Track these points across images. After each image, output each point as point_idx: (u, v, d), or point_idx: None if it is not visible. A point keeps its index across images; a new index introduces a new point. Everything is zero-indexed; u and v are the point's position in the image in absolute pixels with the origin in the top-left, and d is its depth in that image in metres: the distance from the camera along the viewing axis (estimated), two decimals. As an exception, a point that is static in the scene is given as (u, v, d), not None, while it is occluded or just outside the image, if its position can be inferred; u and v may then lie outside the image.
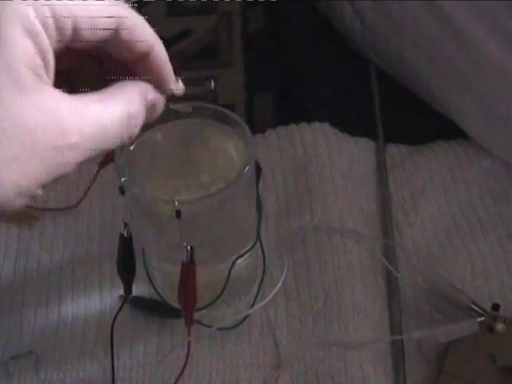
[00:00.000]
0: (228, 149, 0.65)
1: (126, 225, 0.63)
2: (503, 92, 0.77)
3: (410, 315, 0.71)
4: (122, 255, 0.65)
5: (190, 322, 0.63)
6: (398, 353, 0.69)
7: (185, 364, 0.64)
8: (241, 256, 0.67)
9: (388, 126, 0.86)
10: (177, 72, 0.47)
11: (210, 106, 0.65)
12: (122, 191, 0.60)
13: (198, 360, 0.68)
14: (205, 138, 0.66)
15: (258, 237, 0.69)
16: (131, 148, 0.63)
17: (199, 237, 0.63)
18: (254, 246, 0.68)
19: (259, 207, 0.69)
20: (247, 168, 0.61)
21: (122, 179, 0.60)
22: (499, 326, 0.66)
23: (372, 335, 0.69)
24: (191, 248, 0.61)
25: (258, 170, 0.69)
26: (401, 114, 0.88)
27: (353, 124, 0.86)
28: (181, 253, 0.61)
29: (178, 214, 0.58)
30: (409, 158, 0.83)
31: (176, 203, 0.58)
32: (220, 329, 0.70)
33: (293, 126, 0.83)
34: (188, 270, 0.61)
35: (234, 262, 0.67)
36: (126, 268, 0.65)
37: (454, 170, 0.82)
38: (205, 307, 0.69)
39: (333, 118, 0.85)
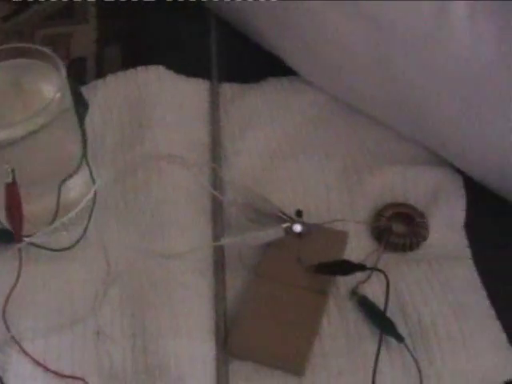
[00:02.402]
0: (39, 85, 0.71)
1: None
2: (323, 35, 0.84)
3: (232, 229, 0.78)
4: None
5: (18, 239, 0.70)
6: (218, 261, 0.76)
7: (18, 276, 0.71)
8: (65, 180, 0.73)
9: (225, 68, 0.93)
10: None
11: (14, 45, 0.71)
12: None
13: (35, 279, 0.74)
14: (15, 80, 0.72)
15: (83, 162, 0.75)
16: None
17: (23, 163, 0.69)
18: (77, 169, 0.74)
19: (84, 137, 0.75)
20: (58, 95, 0.67)
21: None
22: (299, 229, 0.73)
23: (194, 245, 0.76)
24: (12, 170, 0.67)
25: (85, 105, 0.75)
26: (238, 56, 0.95)
27: (191, 67, 0.92)
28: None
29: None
30: (240, 94, 0.90)
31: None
32: (56, 250, 0.75)
33: (131, 70, 0.90)
34: (12, 190, 0.68)
35: (60, 186, 0.73)
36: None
37: (281, 101, 0.89)
38: (42, 231, 0.75)
39: (173, 63, 0.92)
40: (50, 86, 0.70)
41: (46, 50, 0.70)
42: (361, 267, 0.69)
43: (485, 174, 0.79)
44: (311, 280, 0.72)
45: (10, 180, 0.67)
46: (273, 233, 0.73)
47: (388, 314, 0.70)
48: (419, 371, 0.66)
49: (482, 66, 0.73)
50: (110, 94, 0.88)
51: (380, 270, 0.70)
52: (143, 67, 0.90)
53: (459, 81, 0.74)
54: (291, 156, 0.84)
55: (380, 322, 0.69)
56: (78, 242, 0.76)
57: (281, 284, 0.72)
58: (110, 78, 0.90)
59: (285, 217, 0.74)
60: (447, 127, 0.78)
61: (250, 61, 0.94)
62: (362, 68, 0.82)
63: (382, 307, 0.70)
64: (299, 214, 0.74)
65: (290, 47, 0.89)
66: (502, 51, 0.71)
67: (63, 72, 0.69)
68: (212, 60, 0.93)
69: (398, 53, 0.78)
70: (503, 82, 0.72)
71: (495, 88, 0.73)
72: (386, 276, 0.68)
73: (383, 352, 0.68)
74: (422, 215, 0.78)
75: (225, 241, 0.74)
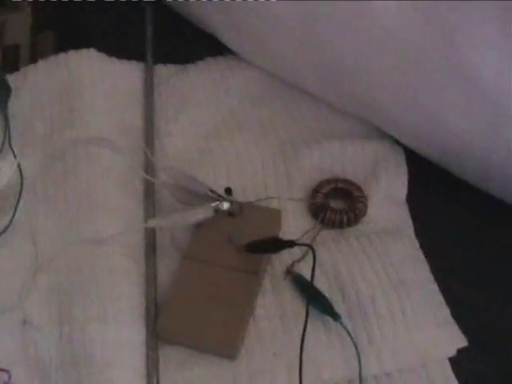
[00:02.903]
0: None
1: None
2: (254, 11, 0.82)
3: (164, 211, 0.76)
4: None
5: None
6: (149, 244, 0.73)
7: None
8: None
9: (162, 50, 0.91)
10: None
11: None
12: None
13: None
14: None
15: (7, 147, 0.72)
16: None
17: None
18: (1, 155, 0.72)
19: (6, 122, 0.73)
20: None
21: None
22: (227, 207, 0.70)
23: (124, 229, 0.74)
24: None
25: (7, 90, 0.73)
26: (176, 38, 0.93)
27: (127, 51, 0.90)
28: None
29: None
30: (175, 75, 0.88)
31: None
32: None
33: (61, 54, 0.87)
34: None
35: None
36: None
37: (217, 80, 0.87)
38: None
39: (108, 47, 0.89)
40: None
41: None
42: (290, 244, 0.67)
43: (424, 146, 0.77)
44: (243, 260, 0.70)
45: None
46: (201, 212, 0.71)
47: (326, 292, 0.69)
48: (357, 350, 0.63)
49: (410, 40, 0.71)
50: (41, 79, 0.86)
51: (308, 245, 0.67)
52: (74, 51, 0.87)
53: (391, 53, 0.73)
54: (227, 136, 0.82)
55: (314, 299, 0.66)
56: (5, 230, 0.73)
57: (211, 265, 0.70)
58: (41, 64, 0.88)
59: (214, 196, 0.71)
60: (384, 98, 0.76)
61: (188, 42, 0.92)
62: (295, 43, 0.80)
63: (318, 285, 0.68)
64: (228, 191, 0.72)
65: (222, 24, 0.87)
66: (428, 29, 0.69)
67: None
68: (147, 41, 0.90)
69: (329, 27, 0.76)
70: (432, 52, 0.70)
71: (427, 59, 0.71)
72: (313, 251, 0.66)
73: (321, 332, 0.67)
74: (360, 190, 0.76)
75: (153, 222, 0.72)
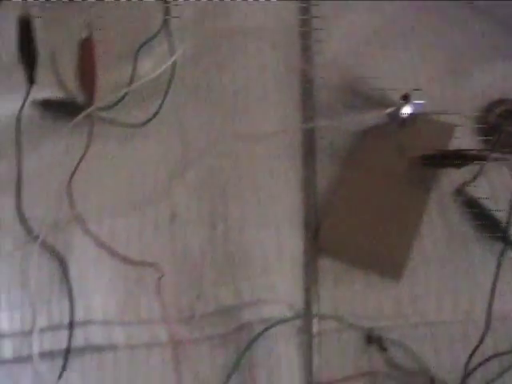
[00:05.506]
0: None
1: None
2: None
3: (323, 112, 0.69)
4: (21, 39, 0.62)
5: (89, 102, 0.62)
6: (308, 145, 0.67)
7: (86, 146, 0.63)
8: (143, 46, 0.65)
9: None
10: None
11: None
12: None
13: (104, 157, 0.67)
14: None
15: (164, 26, 0.66)
16: None
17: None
18: (156, 35, 0.66)
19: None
20: None
21: None
22: (409, 111, 0.64)
23: (282, 128, 0.67)
24: (88, 23, 0.59)
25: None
26: None
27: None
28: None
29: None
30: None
31: None
32: (128, 126, 0.67)
33: None
34: (87, 46, 0.60)
35: (137, 52, 0.65)
36: (27, 52, 0.63)
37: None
38: (115, 104, 0.68)
39: None
40: None
41: None
42: (481, 158, 0.60)
43: None
44: (413, 173, 0.63)
45: (86, 34, 0.58)
46: (374, 117, 0.64)
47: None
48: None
49: None
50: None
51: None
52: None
53: None
54: (389, 43, 0.75)
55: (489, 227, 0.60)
56: (154, 116, 0.69)
57: (378, 175, 0.63)
58: None
59: (388, 101, 0.65)
60: None
61: None
62: None
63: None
64: (406, 98, 0.65)
65: None
66: None
67: None
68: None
69: None
70: None
71: None
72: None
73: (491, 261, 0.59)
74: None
75: (318, 122, 0.65)
